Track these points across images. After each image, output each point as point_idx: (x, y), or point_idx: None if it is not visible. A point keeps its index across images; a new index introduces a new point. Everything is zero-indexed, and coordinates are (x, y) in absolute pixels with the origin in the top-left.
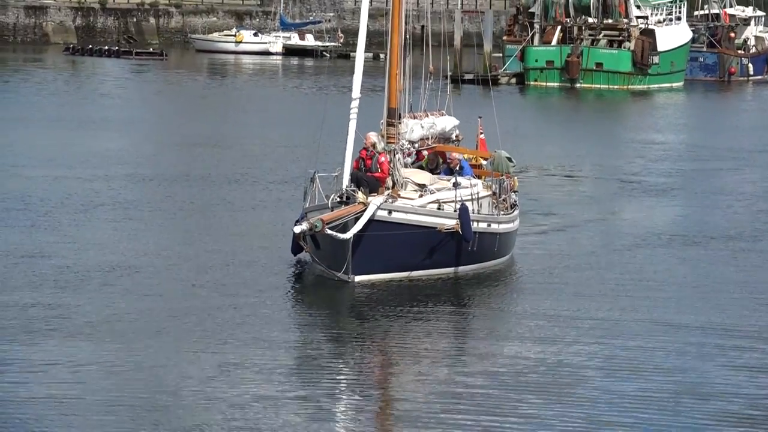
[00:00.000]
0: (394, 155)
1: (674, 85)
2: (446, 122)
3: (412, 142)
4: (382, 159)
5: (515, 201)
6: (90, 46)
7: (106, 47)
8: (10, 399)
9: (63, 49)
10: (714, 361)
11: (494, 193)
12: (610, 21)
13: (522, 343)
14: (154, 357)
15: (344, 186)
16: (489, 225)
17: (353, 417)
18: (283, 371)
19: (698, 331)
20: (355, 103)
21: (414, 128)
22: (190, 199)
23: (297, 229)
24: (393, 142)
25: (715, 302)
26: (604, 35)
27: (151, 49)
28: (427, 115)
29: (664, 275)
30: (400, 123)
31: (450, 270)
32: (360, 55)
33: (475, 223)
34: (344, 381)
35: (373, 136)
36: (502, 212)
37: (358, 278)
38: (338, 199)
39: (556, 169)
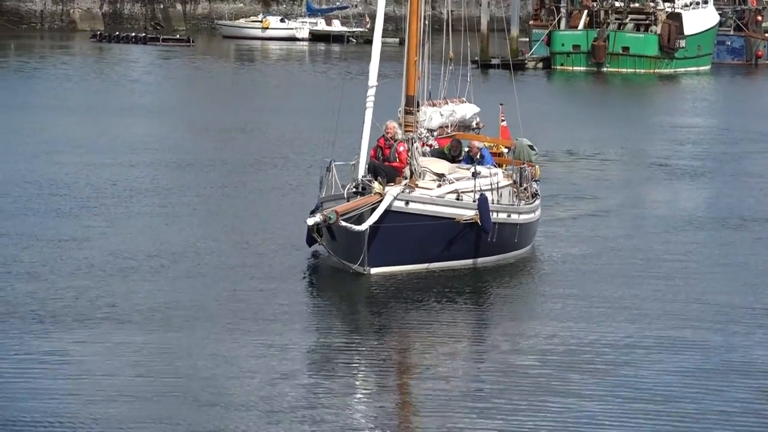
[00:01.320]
0: (412, 144)
1: (701, 68)
2: (466, 110)
3: (430, 131)
4: (401, 148)
5: (537, 190)
6: (117, 33)
7: (133, 34)
8: (62, 386)
9: (90, 36)
10: (753, 339)
11: (515, 182)
12: (636, 5)
13: (543, 336)
14: (178, 343)
15: (360, 176)
16: (509, 215)
17: (370, 410)
18: (297, 368)
19: (740, 312)
20: (371, 91)
21: (433, 116)
22: (212, 186)
23: (310, 221)
24: (411, 131)
25: (750, 282)
26: (631, 19)
27: (177, 36)
28: (447, 103)
29: (696, 258)
30: (418, 111)
31: (469, 262)
32: (377, 42)
33: (495, 214)
34: (361, 375)
35: (394, 125)
36: (523, 202)
37: (374, 270)
38: (354, 190)
39: (583, 153)
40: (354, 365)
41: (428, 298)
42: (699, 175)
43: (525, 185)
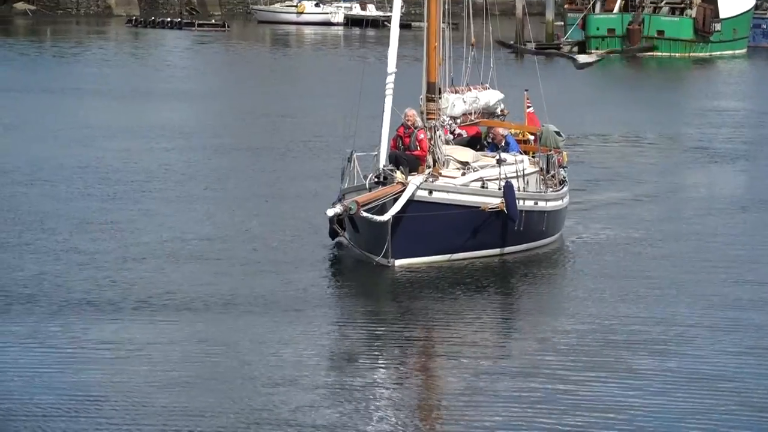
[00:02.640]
0: (435, 132)
1: (737, 52)
2: (490, 96)
3: (453, 118)
4: (421, 136)
5: (564, 177)
6: (152, 18)
7: (169, 19)
8: (101, 377)
9: (125, 21)
10: None
11: (542, 170)
12: None
13: (572, 327)
14: (198, 334)
15: (381, 165)
16: (536, 203)
17: (395, 402)
18: (321, 362)
19: None
20: (390, 78)
21: (455, 103)
22: (244, 172)
23: (330, 212)
24: (433, 118)
25: None
26: (666, 3)
27: (213, 21)
28: (470, 89)
29: (736, 242)
30: (440, 98)
31: (495, 251)
32: (395, 27)
33: (521, 201)
34: (386, 367)
35: (414, 113)
36: (550, 189)
37: (398, 262)
38: (375, 180)
39: (617, 137)
40: (378, 359)
41: (454, 290)
42: (736, 159)
43: (552, 172)
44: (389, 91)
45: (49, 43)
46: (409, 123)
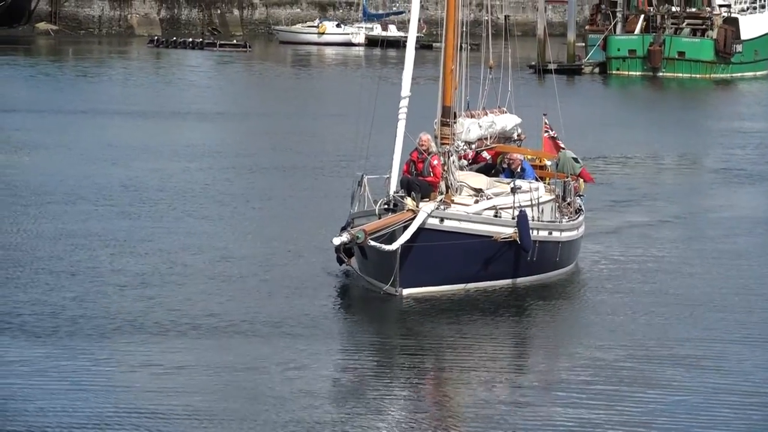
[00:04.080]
0: (448, 157)
1: (758, 73)
2: (507, 121)
3: (468, 143)
4: (435, 162)
5: (581, 205)
6: (174, 38)
7: (190, 39)
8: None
9: (147, 41)
10: None
11: (558, 197)
12: (693, 9)
13: (585, 362)
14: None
15: (391, 192)
16: (550, 233)
17: None
18: (326, 396)
19: None
20: (404, 102)
21: (471, 128)
22: (259, 193)
23: (336, 241)
24: (447, 143)
25: None
26: (687, 24)
27: (234, 41)
28: (486, 113)
29: (759, 265)
30: (455, 122)
31: (507, 282)
32: (410, 50)
33: (535, 231)
34: (391, 399)
35: (428, 137)
36: (565, 218)
37: (406, 291)
38: (385, 206)
39: (638, 159)
40: (384, 390)
41: (463, 320)
42: (758, 180)
43: (569, 200)
44: (402, 116)
45: (71, 63)
46: (423, 148)
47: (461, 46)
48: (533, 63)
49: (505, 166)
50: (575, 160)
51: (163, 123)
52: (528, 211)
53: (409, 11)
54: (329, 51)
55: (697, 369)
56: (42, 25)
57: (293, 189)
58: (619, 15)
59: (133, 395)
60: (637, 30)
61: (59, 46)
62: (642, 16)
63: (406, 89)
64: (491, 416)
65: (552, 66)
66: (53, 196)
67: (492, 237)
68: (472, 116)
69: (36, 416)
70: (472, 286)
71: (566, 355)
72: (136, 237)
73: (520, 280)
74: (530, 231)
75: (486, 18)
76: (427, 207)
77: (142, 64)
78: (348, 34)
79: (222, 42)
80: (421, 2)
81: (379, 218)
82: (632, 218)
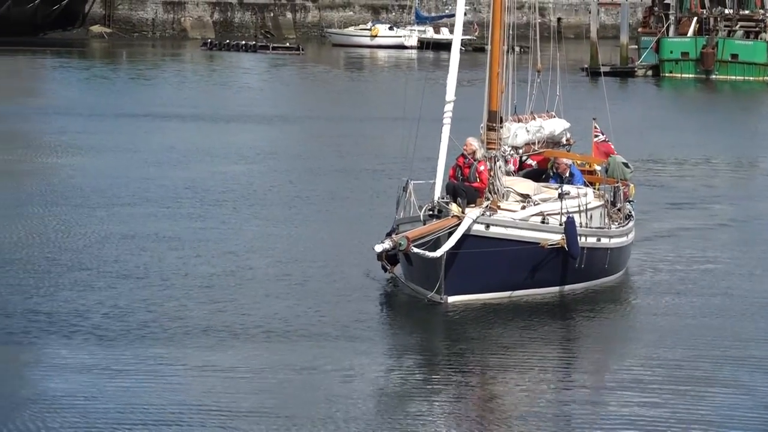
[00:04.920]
0: (495, 162)
1: None
2: (555, 125)
3: (515, 148)
4: (482, 168)
5: (630, 211)
6: (227, 41)
7: (243, 42)
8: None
9: (201, 44)
10: None
11: (607, 203)
12: (746, 12)
13: (634, 373)
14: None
15: (436, 198)
16: (599, 239)
17: None
18: (372, 401)
19: None
20: (449, 107)
21: (518, 132)
22: (311, 196)
23: (378, 248)
24: (493, 148)
25: None
26: (741, 26)
27: (287, 44)
28: (534, 118)
29: None
30: (501, 127)
31: (555, 289)
32: (455, 54)
33: (583, 238)
34: (438, 408)
35: (474, 143)
36: (615, 224)
37: (451, 299)
38: (429, 213)
39: (691, 163)
40: (430, 396)
41: (509, 328)
42: None
43: (618, 206)
44: (447, 120)
45: (126, 66)
46: (468, 153)
47: (514, 48)
48: (586, 66)
49: (554, 171)
50: (625, 165)
51: (220, 126)
52: (576, 217)
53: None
54: (381, 54)
55: (759, 370)
56: (96, 28)
57: (348, 192)
58: (671, 17)
59: (195, 396)
60: (690, 32)
61: (113, 48)
62: (695, 18)
63: (451, 93)
64: (543, 418)
65: (602, 69)
66: (120, 199)
67: (539, 244)
68: (520, 121)
69: (106, 417)
70: (518, 293)
71: (618, 358)
72: (200, 239)
73: (568, 287)
74: (578, 237)
75: (534, 20)
76: (472, 213)
77: (195, 66)
78: (400, 36)
79: (275, 45)
80: (473, 5)
81: (424, 224)
82: (686, 222)
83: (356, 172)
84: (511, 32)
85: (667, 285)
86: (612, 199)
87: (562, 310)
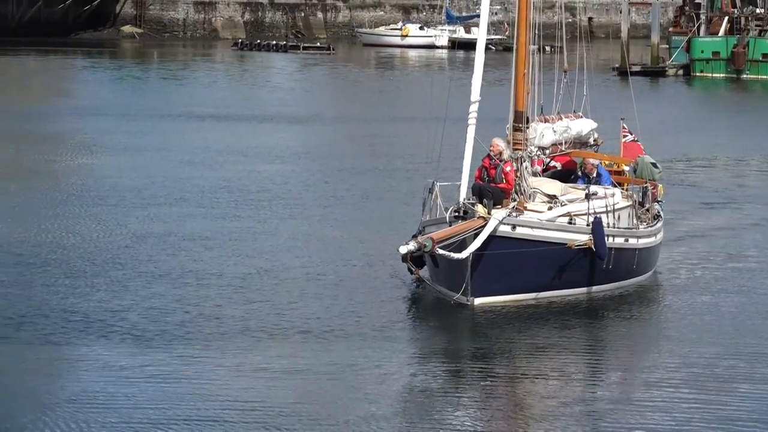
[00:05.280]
0: (521, 163)
1: None
2: (582, 125)
3: (542, 149)
4: (507, 168)
5: (659, 211)
6: (258, 41)
7: (274, 42)
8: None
9: (231, 44)
10: None
11: (635, 203)
12: None
13: (664, 376)
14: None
15: (461, 199)
16: (627, 240)
17: None
18: (398, 403)
19: None
20: (474, 107)
21: (544, 132)
22: (339, 197)
23: (403, 250)
24: (520, 149)
25: None
26: None
27: (318, 44)
28: (561, 118)
29: None
30: (528, 127)
31: (582, 290)
32: (480, 53)
33: (611, 238)
34: (465, 417)
35: (499, 143)
36: (643, 224)
37: (477, 301)
38: (455, 214)
39: (722, 163)
40: (455, 402)
41: (537, 330)
42: None
43: (647, 206)
44: (472, 121)
45: (157, 66)
46: (494, 154)
47: (543, 48)
48: (616, 65)
49: (583, 171)
50: (654, 165)
51: (254, 126)
52: (603, 217)
53: (492, 14)
54: (412, 53)
55: None
56: (127, 29)
57: (381, 192)
58: (702, 17)
59: (230, 395)
60: (721, 32)
61: (144, 49)
62: (726, 18)
63: (476, 93)
64: (572, 420)
65: (633, 68)
66: (156, 199)
67: (566, 244)
68: (546, 121)
69: (143, 417)
70: (545, 294)
71: (646, 360)
72: (235, 239)
73: (595, 288)
74: (606, 238)
75: (560, 20)
76: (498, 214)
77: (227, 67)
78: (431, 36)
79: (305, 45)
80: (504, 4)
81: (450, 226)
82: (717, 222)
83: (389, 172)
84: (537, 32)
85: (696, 285)
86: (640, 200)
87: (589, 312)
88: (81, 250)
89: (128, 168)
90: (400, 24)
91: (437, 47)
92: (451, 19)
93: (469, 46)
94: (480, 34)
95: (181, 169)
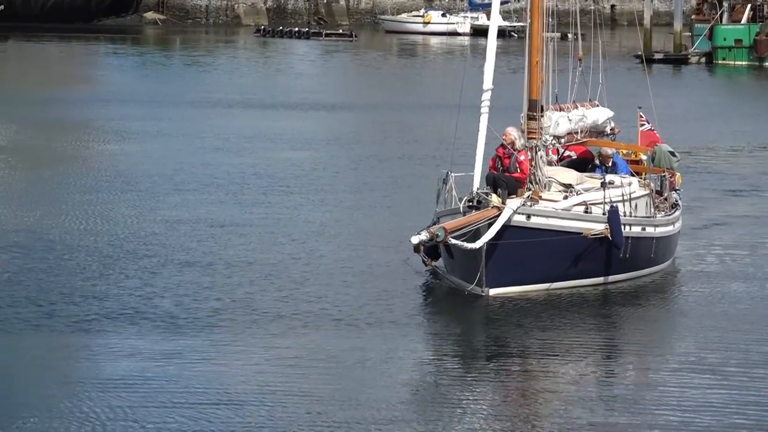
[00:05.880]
0: (536, 152)
1: None
2: (598, 114)
3: (557, 137)
4: (522, 158)
5: (677, 200)
6: (280, 27)
7: (296, 29)
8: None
9: (254, 30)
10: None
11: (653, 192)
12: None
13: (682, 365)
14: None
15: (475, 188)
16: (644, 228)
17: None
18: (410, 394)
19: None
20: (486, 95)
21: (559, 121)
22: (356, 185)
23: (415, 240)
24: (534, 138)
25: None
26: None
27: (340, 30)
28: (576, 107)
29: None
30: (542, 116)
31: (599, 280)
32: (492, 42)
33: (628, 227)
34: (477, 402)
35: (512, 133)
36: (661, 213)
37: (492, 291)
38: (469, 204)
39: (744, 150)
40: (471, 393)
41: (553, 321)
42: None
43: (665, 194)
44: (485, 109)
45: (180, 53)
46: (507, 143)
47: (565, 35)
48: (639, 53)
49: (600, 160)
50: (672, 153)
51: (280, 112)
52: (620, 206)
53: (514, 0)
54: (434, 40)
55: None
56: (150, 15)
57: (411, 179)
58: (725, 4)
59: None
60: (744, 19)
61: (167, 35)
62: (748, 5)
63: (488, 82)
64: (589, 411)
65: (656, 56)
66: (189, 185)
67: (582, 234)
68: (561, 110)
69: (176, 403)
70: (561, 285)
71: (663, 350)
72: (264, 225)
73: (612, 277)
74: (622, 227)
75: (575, 7)
76: (512, 203)
77: (249, 53)
78: (453, 23)
79: (328, 31)
80: None
81: (464, 215)
82: (739, 210)
83: (418, 159)
84: (558, 20)
85: (715, 274)
86: (658, 189)
87: (606, 302)
88: (111, 237)
89: (157, 154)
90: (422, 11)
91: (459, 34)
92: (473, 6)
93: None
94: (492, 22)
95: (209, 155)
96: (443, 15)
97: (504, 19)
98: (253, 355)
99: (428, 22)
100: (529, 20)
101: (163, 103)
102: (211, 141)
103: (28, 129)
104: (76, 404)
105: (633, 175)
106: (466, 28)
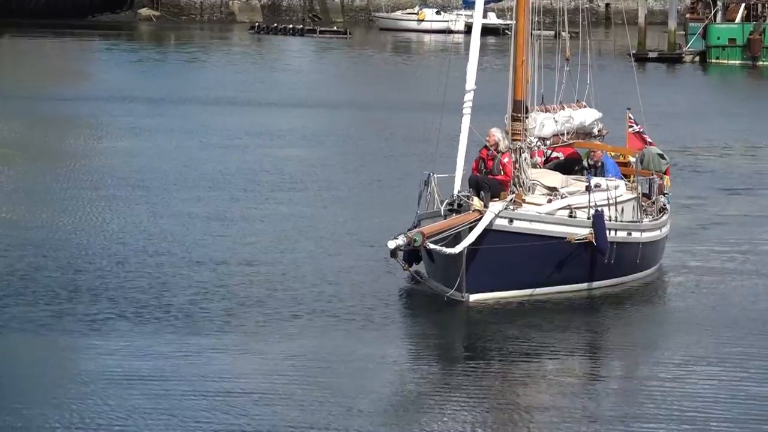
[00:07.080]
0: (520, 154)
1: None
2: (585, 115)
3: (542, 139)
4: (505, 160)
5: (665, 204)
6: (275, 24)
7: (291, 26)
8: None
9: (248, 27)
10: None
11: (640, 196)
12: None
13: (667, 375)
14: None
15: (456, 191)
16: (629, 233)
17: None
18: (388, 401)
19: None
20: (469, 96)
21: (545, 123)
22: (343, 186)
23: (391, 245)
24: (518, 139)
25: None
26: None
27: (335, 28)
28: (563, 108)
29: None
30: (527, 117)
31: (582, 286)
32: (475, 41)
33: (613, 232)
34: (456, 418)
35: (496, 134)
36: (648, 218)
37: (473, 297)
38: (449, 207)
39: (737, 149)
40: (448, 399)
41: (534, 328)
42: None
43: (653, 198)
44: (467, 110)
45: (174, 49)
46: (490, 144)
47: (559, 33)
48: (633, 52)
49: (590, 162)
50: (661, 156)
51: (274, 110)
52: (606, 210)
53: None
54: (428, 38)
55: None
56: (144, 11)
57: (375, 182)
58: (719, 4)
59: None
60: (738, 19)
61: (161, 32)
62: (742, 5)
63: (471, 82)
64: (567, 418)
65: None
66: (198, 182)
67: (565, 238)
68: (547, 111)
69: (190, 401)
70: (544, 291)
71: (646, 359)
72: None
73: (596, 283)
74: (607, 231)
75: (563, 5)
76: (494, 207)
77: (244, 50)
78: (447, 21)
79: (322, 29)
80: None
81: (445, 219)
82: (731, 210)
83: (407, 157)
84: (543, 18)
85: (704, 277)
86: (646, 192)
87: (589, 309)
88: (121, 235)
89: (151, 151)
90: (416, 9)
91: (453, 32)
92: (467, 4)
93: (486, 31)
94: (475, 21)
95: (201, 152)
96: (437, 13)
97: (498, 17)
98: (225, 356)
99: (422, 20)
100: (514, 19)
101: (157, 100)
102: (203, 138)
103: (22, 125)
104: (87, 403)
105: (622, 177)
106: (461, 26)
